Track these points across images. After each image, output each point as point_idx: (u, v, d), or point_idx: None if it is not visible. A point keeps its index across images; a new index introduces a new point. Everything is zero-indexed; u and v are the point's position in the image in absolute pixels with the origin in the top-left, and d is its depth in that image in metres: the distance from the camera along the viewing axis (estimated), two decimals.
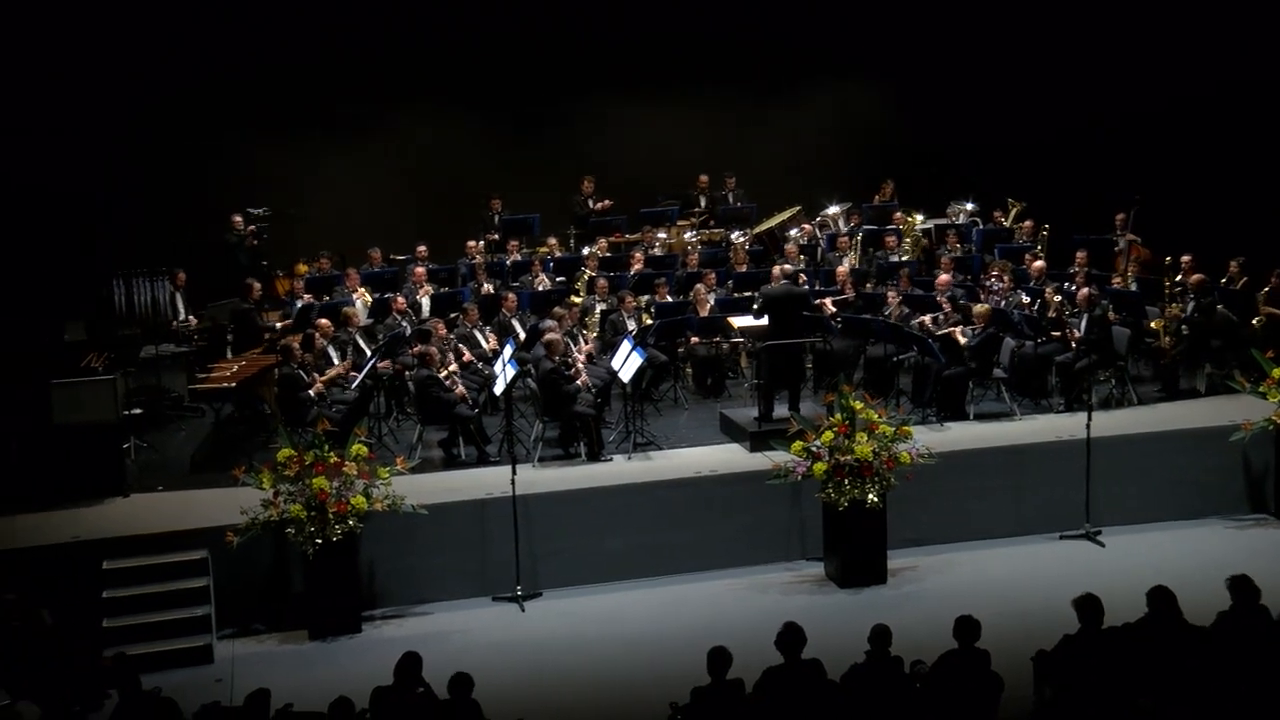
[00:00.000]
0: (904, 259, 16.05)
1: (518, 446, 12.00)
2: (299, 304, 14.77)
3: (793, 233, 16.92)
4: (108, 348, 12.35)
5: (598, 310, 14.92)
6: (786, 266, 15.07)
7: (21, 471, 11.35)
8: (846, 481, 10.91)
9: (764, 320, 12.63)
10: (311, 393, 12.29)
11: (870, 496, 10.87)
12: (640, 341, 13.00)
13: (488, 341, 14.03)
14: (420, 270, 15.47)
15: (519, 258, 16.36)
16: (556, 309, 13.98)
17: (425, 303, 15.07)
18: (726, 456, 12.11)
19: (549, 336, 12.51)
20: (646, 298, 15.06)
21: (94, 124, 15.46)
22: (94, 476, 11.37)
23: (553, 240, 16.93)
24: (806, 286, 14.33)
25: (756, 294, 13.37)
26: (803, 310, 12.76)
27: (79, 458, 11.27)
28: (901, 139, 18.92)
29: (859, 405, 11.12)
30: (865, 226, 16.96)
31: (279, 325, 14.31)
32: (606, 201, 17.74)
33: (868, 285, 15.30)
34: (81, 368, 11.69)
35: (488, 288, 15.41)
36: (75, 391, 11.31)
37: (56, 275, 12.05)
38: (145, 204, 16.06)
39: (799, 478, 11.05)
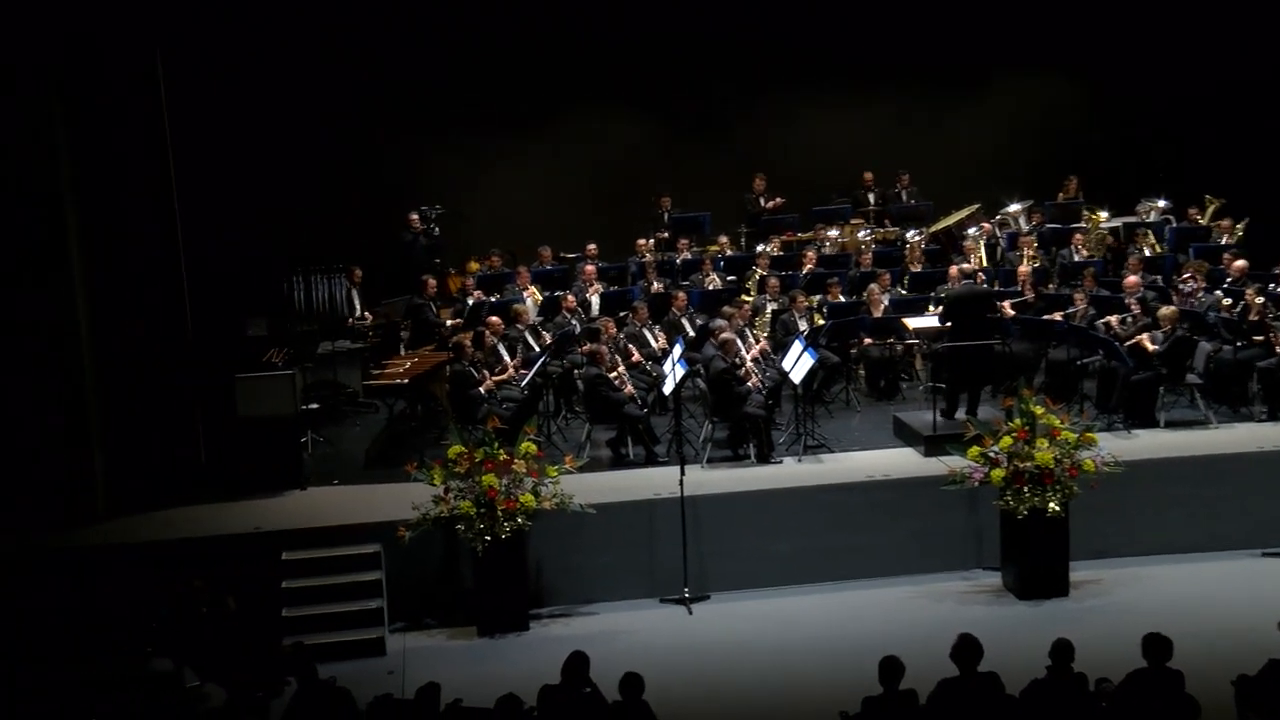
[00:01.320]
0: (1089, 258, 15.56)
1: (686, 447, 11.99)
2: (470, 301, 15.04)
3: (971, 231, 16.57)
4: (287, 343, 12.72)
5: (769, 310, 14.85)
6: (965, 265, 14.75)
7: (207, 462, 11.83)
8: (1026, 489, 10.61)
9: (947, 322, 12.44)
10: (482, 390, 12.48)
11: (1051, 505, 10.54)
12: (812, 342, 12.88)
13: (657, 340, 14.07)
14: (590, 268, 15.61)
15: (689, 256, 16.37)
16: (726, 308, 13.95)
17: (595, 301, 15.20)
18: (900, 461, 11.93)
19: (724, 336, 12.51)
20: (819, 297, 14.94)
21: (276, 127, 15.98)
22: (274, 469, 11.74)
23: (723, 239, 16.92)
24: (986, 285, 13.95)
25: (936, 294, 13.05)
26: (986, 310, 12.47)
27: (260, 450, 11.65)
28: (1088, 133, 18.35)
29: (1040, 410, 10.79)
30: (1048, 225, 16.48)
31: (449, 323, 14.60)
32: (778, 199, 17.64)
33: (1050, 286, 14.87)
34: (263, 362, 12.06)
35: (657, 286, 15.47)
36: (257, 386, 11.69)
37: (240, 272, 12.47)
38: (324, 202, 16.56)
39: (975, 484, 10.79)
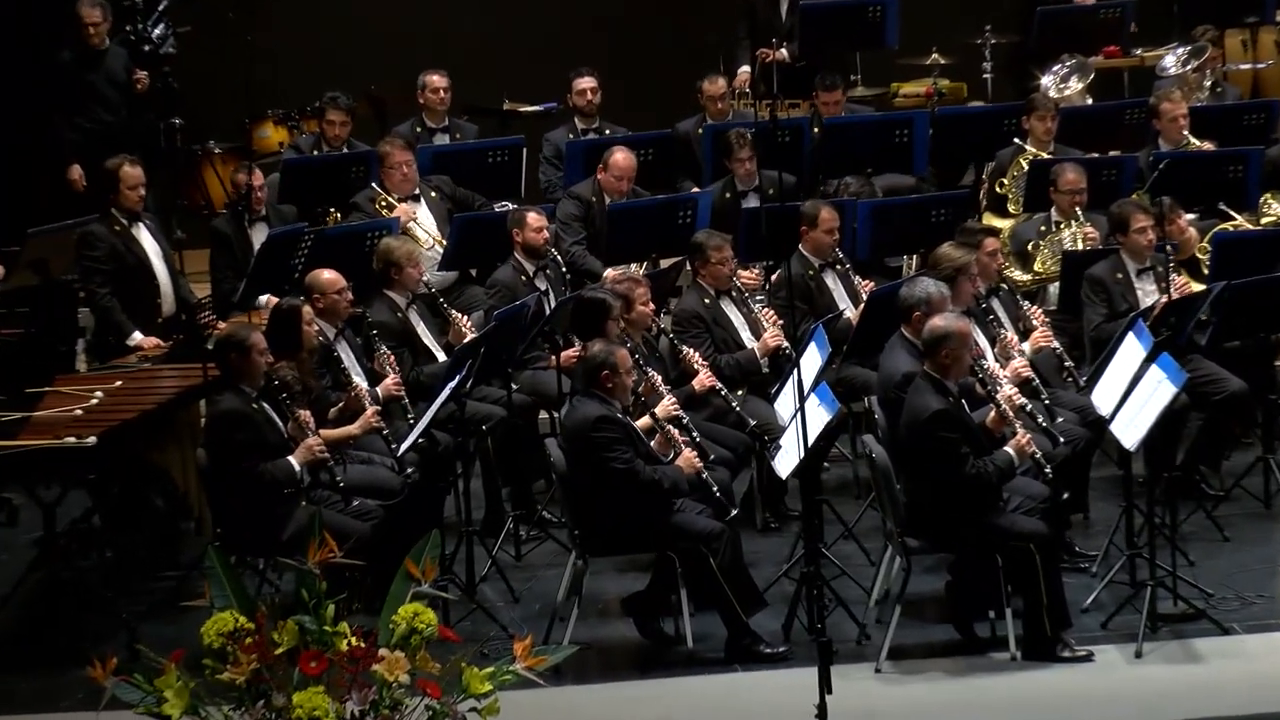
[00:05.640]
0: None
1: (835, 615, 12.15)
2: (268, 228, 15.28)
3: None
4: None
5: (1051, 249, 15.07)
6: None
7: None
8: None
9: None
10: (295, 464, 12.49)
11: None
12: (1170, 341, 12.90)
13: (761, 330, 14.14)
14: (619, 165, 15.83)
15: (840, 113, 16.64)
16: (948, 250, 13.84)
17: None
18: None
19: (940, 328, 12.34)
20: (1195, 217, 15.11)
21: None
22: None
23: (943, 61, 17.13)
24: None
25: None
26: None
27: None
28: None
29: None
30: None
31: (152, 347, 14.68)
32: None
33: None
34: None
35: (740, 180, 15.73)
36: None
37: None
38: None
39: None
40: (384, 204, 15.52)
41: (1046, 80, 16.96)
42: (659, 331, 13.89)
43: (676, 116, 16.97)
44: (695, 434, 12.78)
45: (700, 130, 16.66)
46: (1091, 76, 17.21)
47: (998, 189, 15.94)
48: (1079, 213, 15.08)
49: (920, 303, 12.85)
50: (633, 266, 15.37)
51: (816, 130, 16.49)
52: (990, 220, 15.48)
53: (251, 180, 15.55)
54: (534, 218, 14.86)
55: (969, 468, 12.03)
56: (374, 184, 15.65)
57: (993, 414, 12.45)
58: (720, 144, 16.18)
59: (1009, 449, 12.23)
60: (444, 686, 10.52)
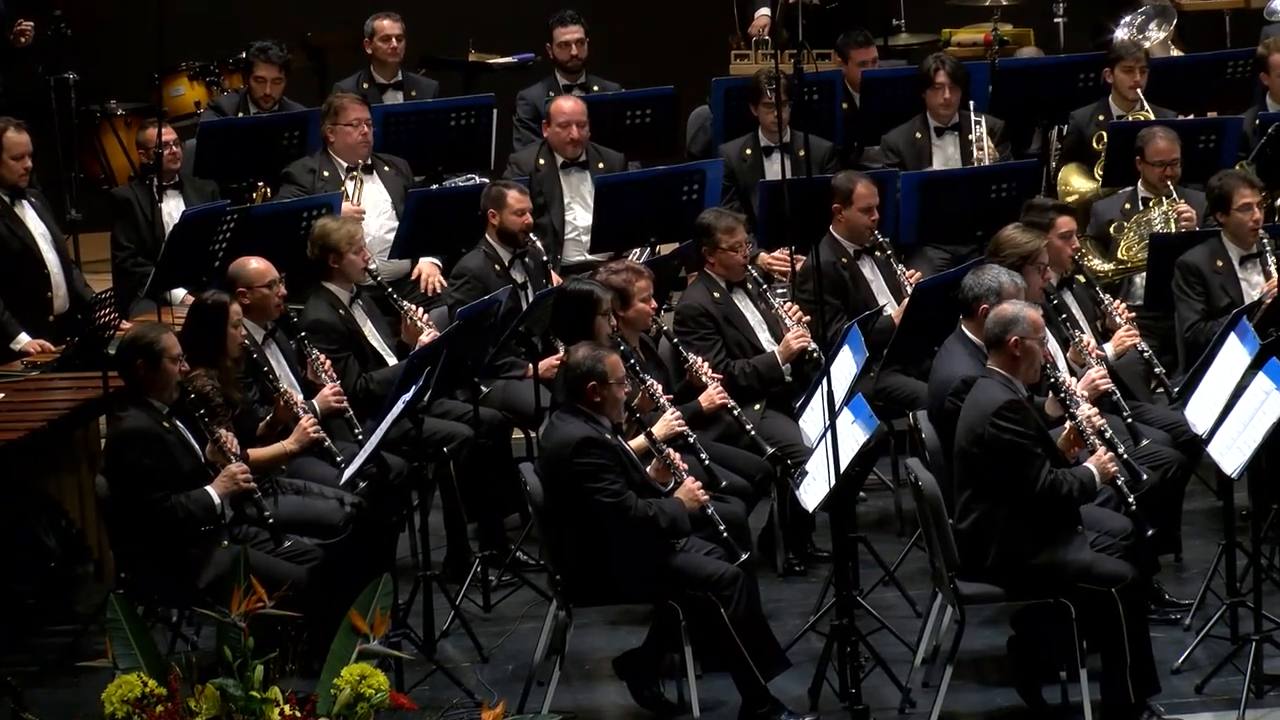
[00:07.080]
0: None
1: (872, 678, 12.06)
2: (182, 199, 15.36)
3: None
4: None
5: (1137, 229, 14.98)
6: None
7: None
8: None
9: None
10: (213, 493, 12.50)
11: None
12: None
13: (780, 329, 14.13)
14: (570, 109, 15.84)
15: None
16: (1010, 232, 13.86)
17: (577, 211, 15.47)
18: None
19: (1012, 310, 12.33)
20: None
21: None
22: None
23: None
24: None
25: None
26: None
27: None
28: None
29: None
30: None
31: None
32: None
33: None
34: None
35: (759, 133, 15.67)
36: None
37: None
38: None
39: None
40: (331, 174, 15.49)
41: (1120, 32, 16.88)
42: (659, 333, 13.83)
43: (675, 71, 16.87)
44: (704, 455, 12.75)
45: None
46: (1174, 23, 17.15)
47: (1095, 145, 15.87)
48: (1171, 187, 14.94)
49: (989, 294, 12.73)
50: (636, 255, 15.32)
51: (845, 106, 16.50)
52: (1071, 178, 15.46)
53: (162, 136, 15.51)
54: (515, 197, 14.76)
55: (1045, 473, 11.91)
56: (317, 145, 15.64)
57: (1066, 431, 12.34)
58: (747, 92, 16.14)
59: (1089, 465, 12.09)
60: None
